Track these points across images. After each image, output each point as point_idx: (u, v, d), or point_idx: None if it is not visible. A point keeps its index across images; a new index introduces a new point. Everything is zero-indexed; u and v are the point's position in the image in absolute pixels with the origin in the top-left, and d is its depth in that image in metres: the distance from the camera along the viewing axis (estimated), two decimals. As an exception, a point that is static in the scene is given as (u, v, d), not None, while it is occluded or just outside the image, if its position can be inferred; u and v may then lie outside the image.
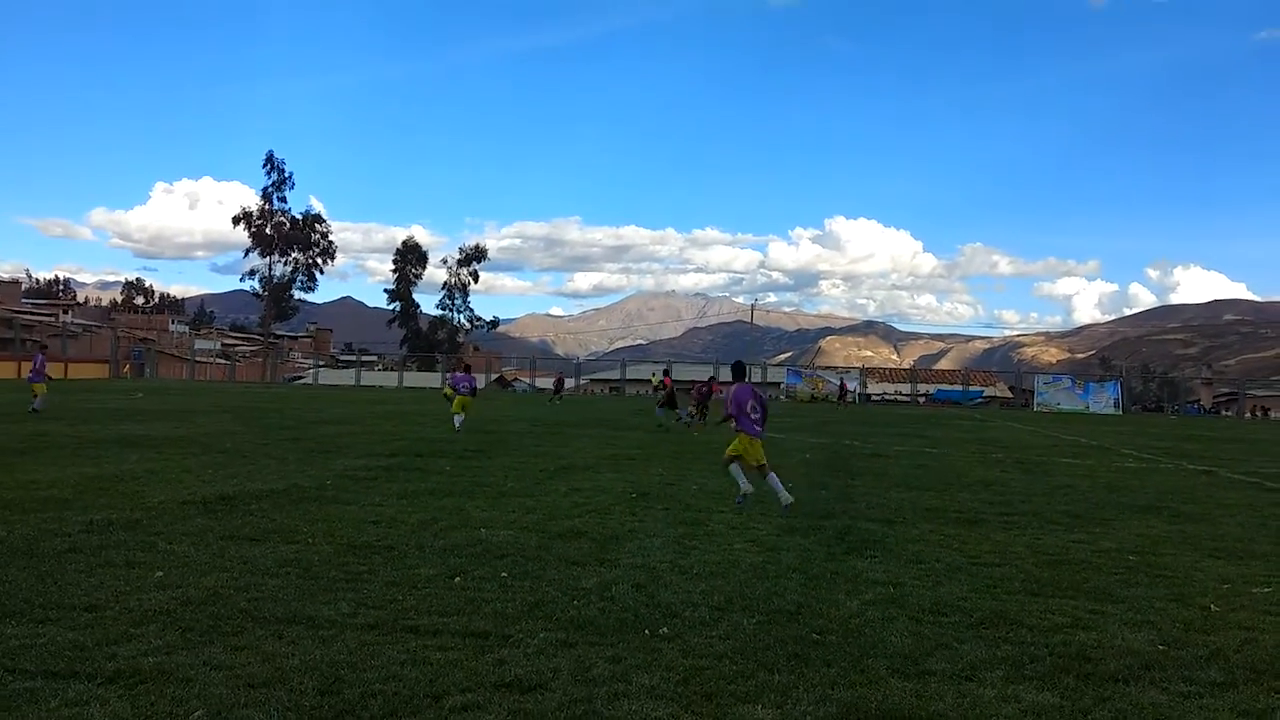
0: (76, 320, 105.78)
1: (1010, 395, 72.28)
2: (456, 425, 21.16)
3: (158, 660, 4.58)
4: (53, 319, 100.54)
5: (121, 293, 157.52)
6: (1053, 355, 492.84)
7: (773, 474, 10.33)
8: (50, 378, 25.92)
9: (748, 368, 11.51)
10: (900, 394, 71.55)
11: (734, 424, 10.56)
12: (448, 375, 40.00)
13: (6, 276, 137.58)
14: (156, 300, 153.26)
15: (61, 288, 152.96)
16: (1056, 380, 71.78)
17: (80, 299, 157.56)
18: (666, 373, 30.92)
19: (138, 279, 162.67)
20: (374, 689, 4.29)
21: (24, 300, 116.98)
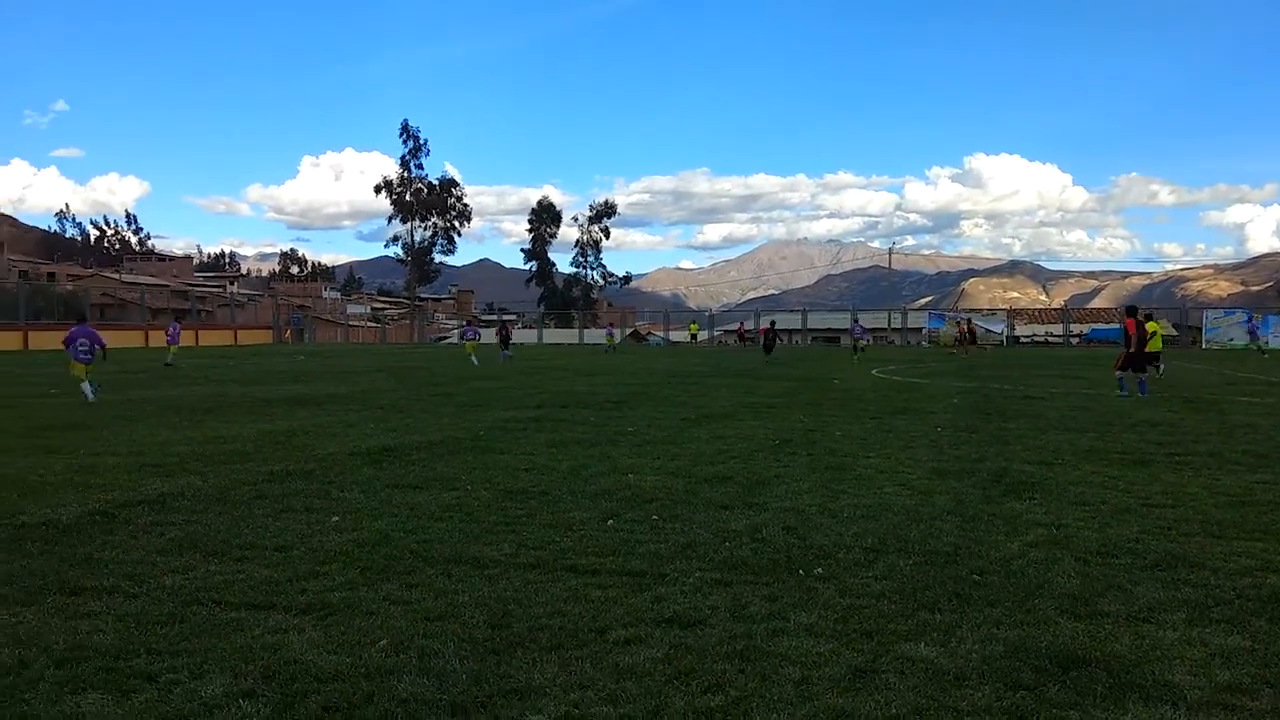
0: (242, 290, 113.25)
1: (1175, 333, 67.57)
2: (475, 361, 30.93)
3: (343, 595, 4.93)
4: (221, 290, 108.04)
5: (279, 263, 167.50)
6: (1222, 289, 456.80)
7: (86, 383, 16.65)
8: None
9: (86, 311, 23.21)
10: (1051, 335, 68.06)
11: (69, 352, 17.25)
12: (463, 327, 47.27)
13: (180, 253, 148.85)
14: (310, 269, 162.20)
15: (227, 261, 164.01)
16: (1228, 315, 66.57)
17: (244, 270, 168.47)
18: (773, 323, 39.35)
19: (292, 249, 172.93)
20: (541, 623, 4.48)
21: (196, 274, 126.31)
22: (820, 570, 5.38)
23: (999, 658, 4.00)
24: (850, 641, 4.23)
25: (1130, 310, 18.96)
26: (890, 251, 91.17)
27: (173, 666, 3.92)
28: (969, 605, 4.73)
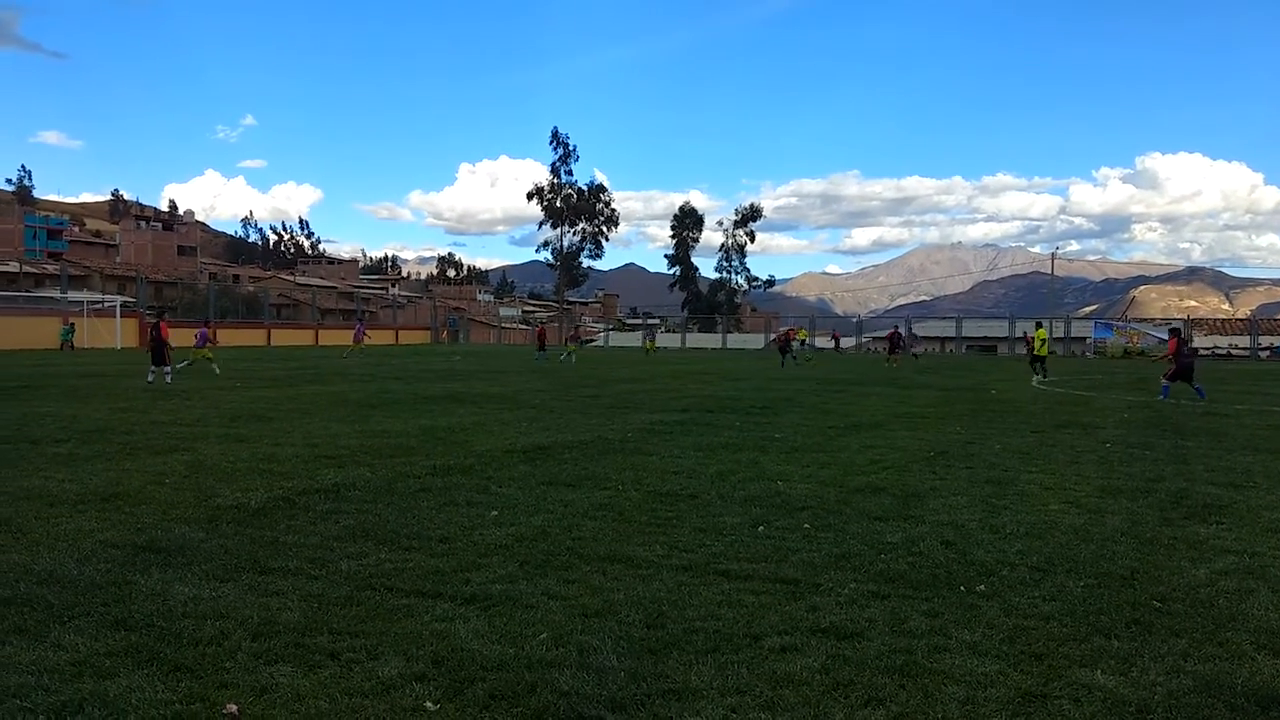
0: (402, 293, 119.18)
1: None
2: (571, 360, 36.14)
3: (503, 587, 5.11)
4: (384, 291, 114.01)
5: (436, 267, 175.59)
6: None
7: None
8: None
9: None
10: (1236, 347, 62.74)
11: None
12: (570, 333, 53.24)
13: (347, 256, 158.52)
14: (465, 272, 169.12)
15: (390, 264, 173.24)
16: None
17: (405, 273, 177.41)
18: (790, 329, 43.31)
19: (449, 254, 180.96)
20: (695, 626, 4.50)
21: (361, 276, 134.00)
22: (983, 588, 5.18)
23: (1187, 692, 3.74)
24: (1018, 663, 4.05)
25: (1173, 331, 22.11)
26: (1053, 256, 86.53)
27: (352, 646, 4.17)
28: (1150, 633, 4.44)
